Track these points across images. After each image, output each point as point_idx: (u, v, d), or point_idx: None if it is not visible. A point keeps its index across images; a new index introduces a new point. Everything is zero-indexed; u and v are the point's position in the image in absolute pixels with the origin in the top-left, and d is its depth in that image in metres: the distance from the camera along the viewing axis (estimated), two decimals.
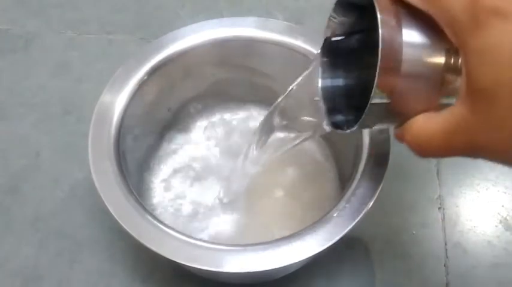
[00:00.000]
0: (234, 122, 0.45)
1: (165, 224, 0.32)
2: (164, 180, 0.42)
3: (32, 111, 0.49)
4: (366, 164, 0.34)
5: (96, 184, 0.33)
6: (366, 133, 0.36)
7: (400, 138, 0.25)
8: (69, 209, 0.43)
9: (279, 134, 0.34)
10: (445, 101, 0.24)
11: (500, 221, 0.43)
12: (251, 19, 0.41)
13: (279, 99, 0.32)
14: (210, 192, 0.42)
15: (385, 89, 0.23)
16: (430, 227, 0.42)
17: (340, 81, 0.30)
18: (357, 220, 0.32)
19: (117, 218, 0.32)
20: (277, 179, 0.42)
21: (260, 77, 0.43)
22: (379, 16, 0.22)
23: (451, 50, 0.23)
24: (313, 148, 0.44)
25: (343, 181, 0.39)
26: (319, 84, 0.30)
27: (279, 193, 0.42)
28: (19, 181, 0.45)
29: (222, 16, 0.48)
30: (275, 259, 0.31)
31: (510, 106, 0.20)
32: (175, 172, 0.43)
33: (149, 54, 0.40)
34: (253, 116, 0.45)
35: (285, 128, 0.33)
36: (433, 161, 0.45)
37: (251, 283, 0.40)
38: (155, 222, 0.32)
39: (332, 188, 0.41)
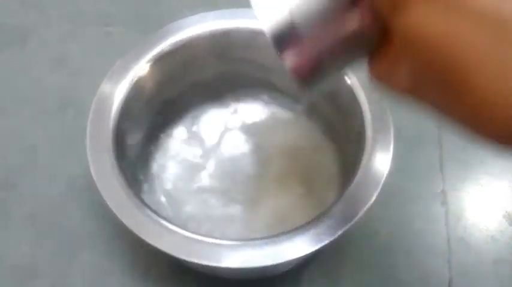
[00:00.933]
0: (234, 114, 0.45)
1: (164, 219, 0.32)
2: (164, 173, 0.42)
3: (29, 106, 0.48)
4: (368, 160, 0.34)
5: (95, 178, 0.33)
6: (369, 129, 0.35)
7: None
8: (66, 204, 0.43)
9: None
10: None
11: (504, 216, 0.43)
12: (252, 10, 0.41)
13: None
14: (211, 185, 0.41)
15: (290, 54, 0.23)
16: (433, 222, 0.42)
17: None
18: (358, 216, 0.32)
19: (116, 213, 0.32)
20: (277, 176, 0.42)
21: (260, 70, 0.42)
22: None
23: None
24: (315, 145, 0.43)
25: (345, 177, 0.39)
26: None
27: (279, 191, 0.41)
28: (16, 176, 0.44)
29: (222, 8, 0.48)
30: (275, 254, 0.30)
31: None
32: (175, 164, 0.42)
33: (148, 46, 0.39)
34: (253, 109, 0.45)
35: None
36: (437, 155, 0.45)
37: (250, 278, 0.40)
38: (154, 217, 0.32)
39: (333, 184, 0.41)
